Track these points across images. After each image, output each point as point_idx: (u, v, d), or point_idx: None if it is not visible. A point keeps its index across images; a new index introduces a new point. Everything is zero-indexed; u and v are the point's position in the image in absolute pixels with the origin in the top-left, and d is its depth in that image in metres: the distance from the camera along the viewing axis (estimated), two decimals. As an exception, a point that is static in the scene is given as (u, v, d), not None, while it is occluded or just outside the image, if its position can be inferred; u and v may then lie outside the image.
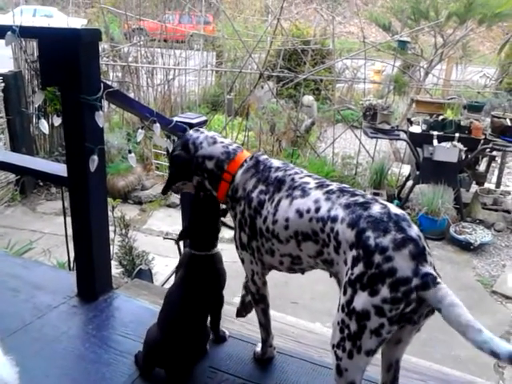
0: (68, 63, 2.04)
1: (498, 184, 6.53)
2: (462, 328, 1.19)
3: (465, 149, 5.59)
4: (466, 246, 5.40)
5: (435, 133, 5.67)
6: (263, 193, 1.64)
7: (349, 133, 7.24)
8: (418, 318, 1.35)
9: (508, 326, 4.02)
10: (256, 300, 1.85)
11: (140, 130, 2.46)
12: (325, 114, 7.50)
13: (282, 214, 1.56)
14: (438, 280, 1.26)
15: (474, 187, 6.34)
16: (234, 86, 8.71)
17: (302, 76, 7.34)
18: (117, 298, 2.43)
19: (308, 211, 1.50)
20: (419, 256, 1.28)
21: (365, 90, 9.10)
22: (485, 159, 6.56)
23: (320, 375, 1.95)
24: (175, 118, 2.68)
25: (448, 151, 5.53)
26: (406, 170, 6.81)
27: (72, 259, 3.22)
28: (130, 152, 2.55)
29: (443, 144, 5.59)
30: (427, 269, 1.27)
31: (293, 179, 1.60)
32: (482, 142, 5.66)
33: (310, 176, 1.62)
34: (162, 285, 3.18)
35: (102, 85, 2.12)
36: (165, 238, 4.02)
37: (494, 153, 6.28)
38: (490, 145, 5.60)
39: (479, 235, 5.45)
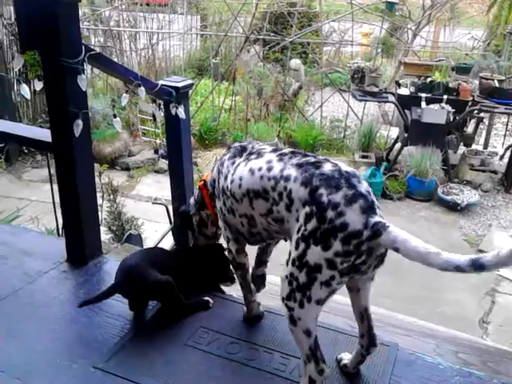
0: (47, 25, 1.98)
1: (486, 145, 6.56)
2: (423, 257, 1.24)
3: (453, 110, 5.58)
4: (453, 207, 5.46)
5: (423, 95, 5.65)
6: (228, 158, 1.79)
7: (337, 96, 7.18)
8: (367, 268, 1.42)
9: (493, 283, 4.11)
10: (234, 266, 1.94)
11: (124, 95, 2.41)
12: (312, 77, 7.41)
13: (237, 174, 1.67)
14: (387, 224, 1.32)
15: (462, 149, 6.37)
16: (220, 50, 8.54)
17: (288, 39, 7.21)
18: (107, 262, 2.43)
19: (259, 169, 1.58)
20: (369, 209, 1.35)
21: (352, 52, 8.98)
22: (472, 121, 6.57)
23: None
24: (160, 82, 2.62)
25: (436, 113, 5.52)
26: (395, 132, 6.81)
27: (61, 225, 3.21)
28: (114, 116, 2.50)
29: (431, 106, 5.57)
30: (376, 219, 1.34)
31: (253, 147, 1.75)
32: (469, 103, 5.66)
33: (268, 145, 1.75)
34: (153, 249, 3.19)
35: (83, 48, 2.05)
36: (154, 203, 4.00)
37: (482, 114, 6.28)
38: (478, 106, 5.60)
39: (466, 196, 5.50)
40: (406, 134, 5.89)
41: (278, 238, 1.78)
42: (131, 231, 3.13)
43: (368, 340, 1.67)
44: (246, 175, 1.63)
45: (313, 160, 1.49)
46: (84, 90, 2.10)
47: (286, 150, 1.64)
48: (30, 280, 2.25)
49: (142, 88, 2.29)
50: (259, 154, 1.66)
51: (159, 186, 5.90)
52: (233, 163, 1.74)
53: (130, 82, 2.30)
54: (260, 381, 1.74)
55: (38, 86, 2.15)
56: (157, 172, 6.30)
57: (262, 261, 2.09)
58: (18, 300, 2.12)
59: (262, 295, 2.20)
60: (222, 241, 2.03)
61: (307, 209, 1.40)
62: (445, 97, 5.58)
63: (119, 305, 2.10)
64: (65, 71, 2.01)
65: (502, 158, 6.39)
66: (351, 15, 7.11)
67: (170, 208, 3.33)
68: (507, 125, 6.72)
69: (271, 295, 2.24)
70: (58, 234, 3.22)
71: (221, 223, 1.89)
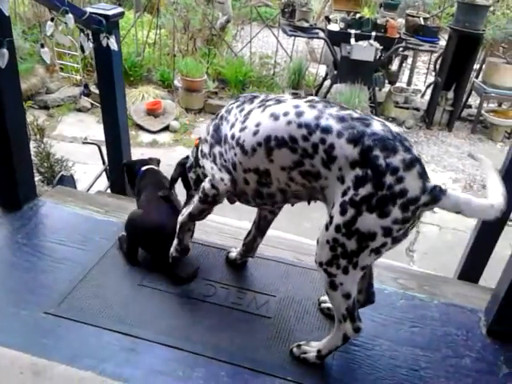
0: None
1: (409, 83, 6.78)
2: (487, 212, 1.27)
3: (381, 48, 5.66)
4: (378, 143, 5.64)
5: (353, 31, 5.65)
6: (232, 104, 1.60)
7: (265, 31, 7.02)
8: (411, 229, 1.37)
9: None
10: (205, 200, 1.66)
11: (49, 23, 2.15)
12: (241, 10, 7.15)
13: (251, 121, 1.47)
14: (445, 188, 1.28)
15: (387, 86, 6.54)
16: (141, -22, 7.94)
17: (215, -32, 6.83)
18: (43, 205, 2.29)
19: (286, 114, 1.39)
20: (425, 174, 1.29)
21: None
22: (397, 59, 6.73)
23: (261, 265, 2.03)
24: (88, 9, 2.41)
25: (365, 50, 5.57)
26: (323, 70, 6.84)
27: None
28: (42, 46, 2.25)
29: (360, 43, 5.60)
30: (432, 183, 1.29)
31: (267, 95, 1.55)
32: (396, 40, 5.76)
33: (285, 95, 1.56)
34: (87, 190, 3.03)
35: (3, -35, 1.80)
36: (84, 143, 3.78)
37: (406, 52, 6.44)
38: (404, 44, 5.72)
39: (391, 132, 5.71)
40: (335, 71, 5.93)
41: (294, 202, 1.59)
42: (63, 172, 2.94)
43: (366, 296, 1.67)
44: (267, 120, 1.41)
45: (356, 115, 1.33)
46: (7, 14, 1.86)
47: (315, 97, 1.45)
48: (-41, 227, 2.07)
49: (70, 15, 2.08)
50: (279, 101, 1.45)
51: (83, 126, 5.56)
52: (241, 110, 1.53)
53: (56, 9, 2.08)
54: (218, 315, 1.76)
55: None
56: (79, 110, 5.89)
57: (263, 230, 1.92)
58: None
59: (214, 234, 2.20)
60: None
61: (358, 171, 1.27)
62: (373, 33, 5.63)
63: (63, 248, 2.01)
64: (-18, -6, 1.77)
65: (423, 95, 6.67)
66: None
67: (103, 148, 3.17)
68: (429, 63, 6.96)
69: (224, 234, 2.25)
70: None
71: (205, 163, 1.65)
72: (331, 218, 1.34)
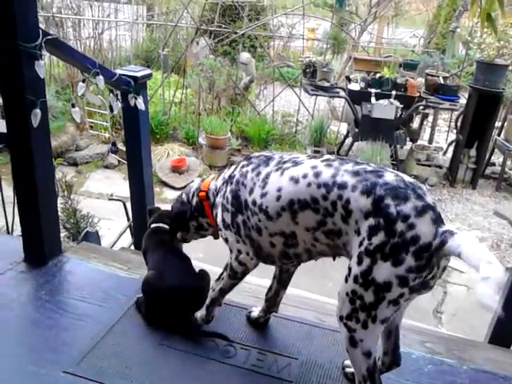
0: (1, 7, 1.84)
1: (431, 140, 6.82)
2: (483, 265, 1.17)
3: (401, 106, 5.75)
4: (402, 201, 5.61)
5: (373, 90, 5.78)
6: (245, 166, 1.62)
7: (287, 91, 7.22)
8: (434, 282, 1.35)
9: (444, 274, 4.25)
10: (234, 276, 1.73)
11: (81, 84, 2.28)
12: (264, 71, 7.40)
13: (272, 186, 1.49)
14: (455, 231, 1.25)
15: (408, 144, 6.58)
16: (168, 42, 8.35)
17: (239, 31, 7.16)
18: (67, 261, 2.32)
19: (305, 176, 1.42)
20: (438, 220, 1.28)
21: (301, 47, 9.06)
22: (418, 117, 6.81)
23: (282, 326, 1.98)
24: (118, 71, 2.53)
25: (385, 108, 5.67)
26: (344, 128, 6.94)
27: (11, 223, 3.02)
28: (73, 106, 2.37)
29: (381, 101, 5.71)
30: (444, 228, 1.27)
31: (281, 156, 1.58)
32: (416, 99, 5.85)
33: (300, 154, 1.59)
34: (111, 246, 3.07)
35: (40, 31, 1.93)
36: (110, 199, 3.86)
37: (427, 110, 6.52)
38: (424, 102, 5.80)
39: (414, 190, 5.68)
40: (356, 129, 6.02)
41: (320, 257, 1.59)
42: (88, 228, 3.00)
43: (392, 358, 1.61)
44: (287, 184, 1.45)
45: (370, 168, 1.37)
46: (42, 76, 1.98)
47: (330, 156, 1.48)
48: (-15, 282, 2.10)
49: (101, 77, 2.20)
50: (296, 163, 1.48)
51: (109, 182, 5.70)
52: (258, 174, 1.55)
53: (88, 71, 2.20)
54: (238, 379, 1.72)
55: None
56: (106, 167, 6.07)
57: (285, 284, 1.90)
58: (-27, 304, 1.98)
59: (234, 292, 2.18)
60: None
61: (371, 221, 1.29)
62: (393, 92, 5.74)
63: (85, 305, 2.01)
64: (22, 56, 1.89)
65: (445, 153, 6.68)
66: (302, 9, 7.15)
67: (128, 204, 3.23)
68: (450, 121, 7.02)
69: (246, 293, 2.23)
70: (8, 232, 3.03)
71: (229, 235, 1.67)
72: (349, 269, 1.35)
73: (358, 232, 1.33)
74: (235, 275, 1.72)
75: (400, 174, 1.37)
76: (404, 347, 1.93)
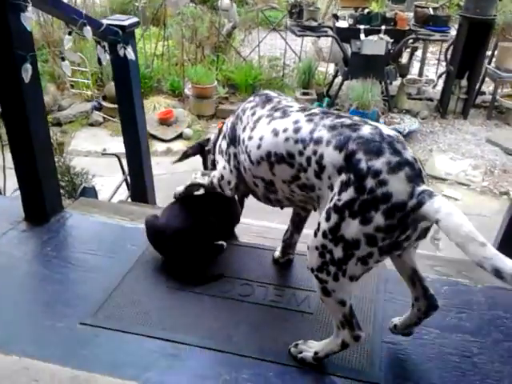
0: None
1: (420, 74, 6.71)
2: (462, 239, 1.05)
3: (391, 41, 5.60)
4: (395, 136, 5.58)
5: (362, 26, 5.61)
6: (248, 102, 1.65)
7: (273, 34, 6.99)
8: (409, 244, 1.27)
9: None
10: (209, 187, 1.82)
11: (67, 37, 2.14)
12: (247, 15, 7.13)
13: (257, 132, 1.51)
14: (435, 193, 1.15)
15: (398, 79, 6.47)
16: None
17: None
18: (69, 217, 2.26)
19: (284, 130, 1.41)
20: (416, 178, 1.17)
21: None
22: (407, 51, 6.66)
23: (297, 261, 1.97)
24: (105, 21, 2.40)
25: (375, 44, 5.52)
26: (331, 68, 6.78)
27: (3, 186, 2.94)
28: (63, 60, 2.24)
29: (370, 37, 5.56)
30: (422, 187, 1.17)
31: (279, 101, 1.57)
32: (406, 32, 5.70)
33: (296, 103, 1.57)
34: (109, 200, 3.01)
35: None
36: (103, 154, 3.77)
37: (416, 44, 6.38)
38: (415, 35, 5.66)
39: (407, 124, 5.64)
40: (345, 68, 5.88)
41: (303, 206, 1.61)
42: (85, 184, 2.92)
43: (426, 302, 1.48)
44: (268, 136, 1.45)
45: (349, 122, 1.30)
46: (29, 29, 1.86)
47: (317, 109, 1.44)
48: (-12, 244, 2.04)
49: (88, 28, 2.07)
50: (285, 113, 1.47)
51: (96, 140, 5.57)
52: (253, 114, 1.56)
53: (74, 22, 2.06)
54: (259, 315, 1.71)
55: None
56: (91, 125, 5.91)
57: (298, 227, 1.88)
58: (-21, 266, 1.93)
59: (242, 234, 2.15)
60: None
61: (343, 176, 1.23)
62: (383, 27, 5.59)
63: (94, 258, 1.97)
64: (6, 8, 1.76)
65: (435, 85, 6.59)
66: None
67: (122, 159, 3.15)
68: (440, 53, 6.88)
69: (252, 234, 2.21)
70: (1, 193, 2.95)
71: (220, 160, 1.74)
72: (318, 224, 1.30)
73: (331, 188, 1.28)
74: (213, 189, 1.79)
75: (380, 125, 1.28)
76: (419, 272, 1.94)
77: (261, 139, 1.48)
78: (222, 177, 1.72)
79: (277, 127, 1.44)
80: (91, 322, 1.63)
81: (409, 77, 6.44)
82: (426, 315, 1.50)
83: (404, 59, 6.67)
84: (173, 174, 4.92)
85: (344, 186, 1.22)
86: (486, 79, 6.27)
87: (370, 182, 1.17)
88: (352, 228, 1.20)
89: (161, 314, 1.68)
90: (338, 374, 1.48)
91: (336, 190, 1.25)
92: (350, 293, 1.36)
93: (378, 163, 1.18)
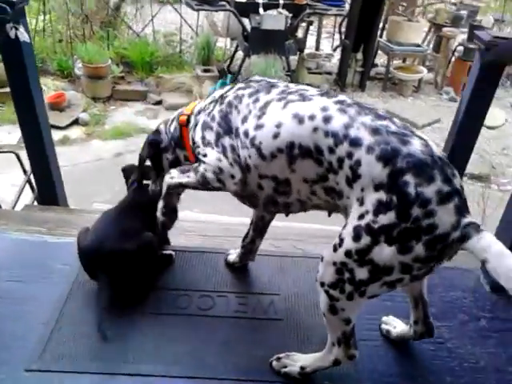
0: None
1: (317, 48, 6.82)
2: None
3: (290, 15, 5.58)
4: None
5: (260, 1, 5.52)
6: (242, 89, 1.37)
7: (167, 8, 6.63)
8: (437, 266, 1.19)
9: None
10: (200, 184, 1.42)
11: None
12: (136, -13, 6.66)
13: (271, 119, 1.25)
14: (481, 228, 1.07)
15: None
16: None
17: None
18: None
19: (312, 118, 1.19)
20: (463, 208, 1.08)
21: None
22: (302, 25, 6.71)
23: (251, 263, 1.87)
24: (-11, -3, 2.03)
25: (275, 19, 5.46)
26: (229, 43, 6.63)
27: None
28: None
29: (270, 12, 5.49)
30: (469, 218, 1.08)
31: (287, 85, 1.34)
32: (304, 7, 5.71)
33: (310, 87, 1.34)
34: (13, 207, 2.64)
35: None
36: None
37: (311, 18, 6.44)
38: (312, 10, 5.70)
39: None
40: (246, 43, 5.76)
41: (313, 210, 1.40)
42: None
43: (424, 328, 1.48)
44: (289, 123, 1.22)
45: (394, 128, 1.13)
46: None
47: (345, 96, 1.24)
48: None
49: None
50: (304, 96, 1.24)
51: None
52: (256, 101, 1.31)
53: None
54: (225, 329, 1.58)
55: None
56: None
57: (261, 232, 1.73)
58: None
59: (196, 236, 2.00)
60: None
61: (382, 195, 1.08)
62: (281, 1, 5.54)
63: (18, 286, 1.68)
64: None
65: (330, 59, 6.74)
66: None
67: (22, 155, 2.77)
68: (334, 27, 7.02)
69: (188, 233, 2.05)
70: None
71: (210, 152, 1.39)
72: (341, 240, 1.16)
73: (360, 201, 1.13)
74: (205, 186, 1.42)
75: (429, 142, 1.14)
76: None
77: (278, 126, 1.23)
78: (220, 170, 1.37)
79: (300, 112, 1.21)
80: (39, 367, 1.39)
81: (307, 51, 6.51)
82: (419, 339, 1.52)
83: (300, 34, 6.71)
84: (75, 166, 4.50)
85: (383, 207, 1.09)
86: (379, 52, 6.53)
87: (416, 211, 1.06)
88: (386, 254, 1.10)
89: (118, 344, 1.48)
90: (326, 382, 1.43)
91: (370, 207, 1.11)
92: (358, 312, 1.28)
93: (429, 191, 1.06)
